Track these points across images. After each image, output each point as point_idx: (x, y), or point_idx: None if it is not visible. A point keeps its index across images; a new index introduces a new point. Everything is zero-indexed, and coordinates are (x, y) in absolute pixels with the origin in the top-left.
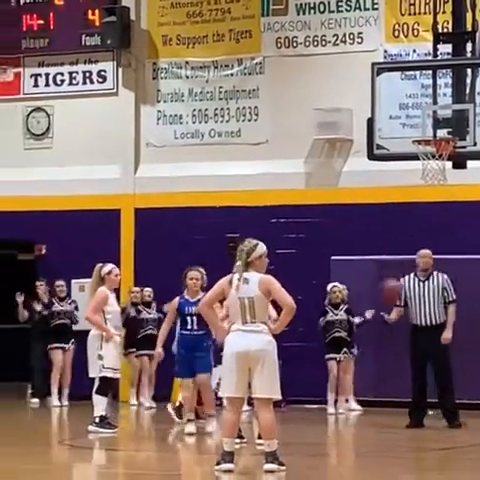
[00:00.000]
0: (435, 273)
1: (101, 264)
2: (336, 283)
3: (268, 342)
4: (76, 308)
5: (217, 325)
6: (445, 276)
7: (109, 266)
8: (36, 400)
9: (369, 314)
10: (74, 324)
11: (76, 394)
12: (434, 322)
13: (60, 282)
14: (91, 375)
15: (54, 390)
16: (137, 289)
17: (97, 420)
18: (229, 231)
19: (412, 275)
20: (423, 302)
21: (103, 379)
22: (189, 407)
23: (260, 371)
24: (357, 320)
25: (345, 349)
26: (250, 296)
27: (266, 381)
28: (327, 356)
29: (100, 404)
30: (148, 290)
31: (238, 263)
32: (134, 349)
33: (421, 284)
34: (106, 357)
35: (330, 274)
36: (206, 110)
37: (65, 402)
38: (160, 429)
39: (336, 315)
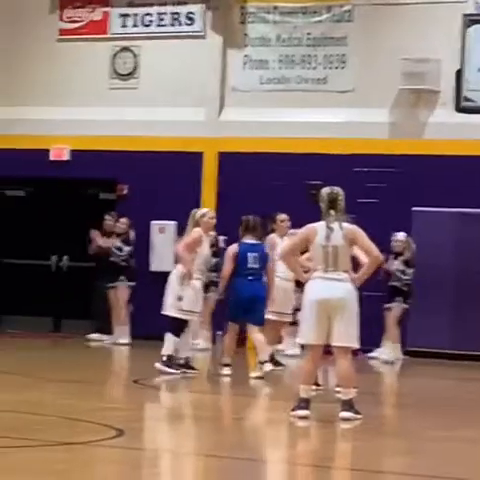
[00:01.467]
0: None
1: (197, 208)
2: (400, 233)
3: (349, 291)
4: (126, 243)
5: (300, 272)
6: None
7: (203, 209)
8: (96, 336)
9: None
10: (121, 260)
11: (139, 333)
12: None
13: (122, 219)
14: (166, 313)
15: (115, 328)
16: (214, 234)
17: (164, 359)
18: (310, 179)
19: None
20: None
21: (178, 320)
22: (228, 352)
23: (340, 319)
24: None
25: (398, 298)
26: (334, 244)
27: (345, 329)
28: (384, 305)
29: (170, 343)
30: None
31: (326, 211)
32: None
33: None
34: (185, 299)
35: (411, 225)
36: (293, 56)
37: (124, 340)
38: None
39: (393, 265)
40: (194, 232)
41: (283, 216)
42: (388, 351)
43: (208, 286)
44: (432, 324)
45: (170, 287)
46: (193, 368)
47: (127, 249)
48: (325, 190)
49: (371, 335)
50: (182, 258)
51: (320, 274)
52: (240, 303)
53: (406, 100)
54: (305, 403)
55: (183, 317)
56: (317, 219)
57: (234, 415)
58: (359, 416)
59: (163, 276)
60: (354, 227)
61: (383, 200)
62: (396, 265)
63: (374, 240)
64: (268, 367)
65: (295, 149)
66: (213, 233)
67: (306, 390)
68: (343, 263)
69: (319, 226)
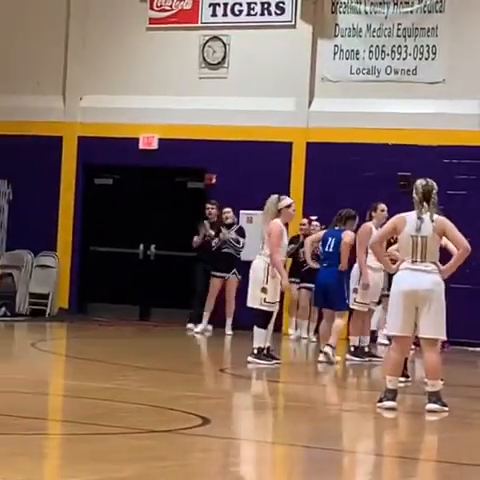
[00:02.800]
0: None
1: (277, 195)
2: None
3: (437, 282)
4: (242, 234)
5: (387, 262)
6: None
7: (288, 200)
8: (191, 325)
9: None
10: (237, 254)
11: (234, 323)
12: None
13: (227, 209)
14: (250, 305)
15: (205, 317)
16: (306, 221)
17: (255, 351)
18: (400, 169)
19: None
20: None
21: (264, 312)
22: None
23: (427, 311)
24: None
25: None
26: (424, 235)
27: (433, 321)
28: None
29: (259, 336)
30: (316, 224)
31: (420, 202)
32: (298, 280)
33: None
34: (270, 291)
35: None
36: (383, 46)
37: (228, 331)
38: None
39: None
40: (276, 227)
41: (383, 206)
42: None
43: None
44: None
45: (253, 279)
46: (276, 358)
47: (243, 241)
48: (420, 181)
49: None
50: (274, 263)
51: (408, 265)
52: (317, 290)
53: None
54: (392, 394)
55: (268, 309)
56: (407, 210)
57: (320, 405)
58: (446, 408)
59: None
60: (444, 219)
61: (473, 192)
62: None
63: (462, 232)
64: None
65: (384, 140)
66: (306, 220)
67: (393, 381)
68: (432, 254)
69: (409, 216)
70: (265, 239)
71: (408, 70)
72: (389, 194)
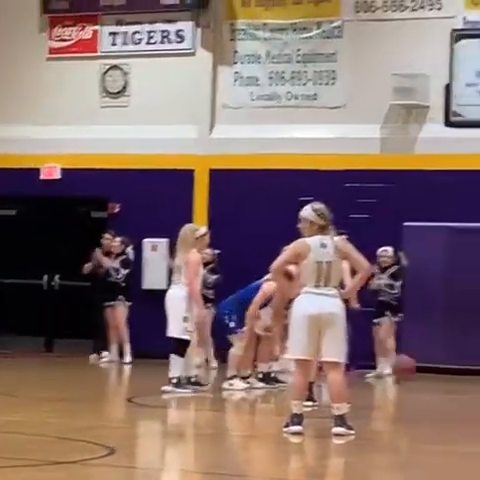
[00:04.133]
0: None
1: (192, 224)
2: (385, 247)
3: (339, 306)
4: (125, 266)
5: (288, 288)
6: None
7: (204, 229)
8: (94, 356)
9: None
10: (118, 281)
11: (138, 351)
12: None
13: (116, 239)
14: (171, 335)
15: (110, 347)
16: (212, 252)
17: (174, 381)
18: (303, 194)
19: None
20: None
21: (183, 340)
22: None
23: (330, 334)
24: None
25: (387, 312)
26: (328, 260)
27: (336, 344)
28: (373, 320)
29: (177, 365)
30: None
31: (318, 226)
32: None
33: None
34: (191, 320)
35: (402, 240)
36: (283, 72)
37: (127, 359)
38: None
39: (381, 279)
40: (195, 257)
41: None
42: (384, 366)
43: (206, 303)
44: (424, 339)
45: (173, 309)
46: (202, 385)
47: (125, 272)
48: (315, 205)
49: (362, 350)
50: (192, 292)
51: (310, 289)
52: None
53: (397, 115)
54: (298, 419)
55: (188, 338)
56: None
57: (226, 432)
58: (352, 431)
59: (155, 294)
60: (344, 241)
61: (375, 215)
62: (384, 280)
63: (366, 256)
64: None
65: (286, 165)
66: (210, 250)
67: (298, 406)
68: (334, 278)
69: (311, 241)
70: (181, 268)
71: (308, 95)
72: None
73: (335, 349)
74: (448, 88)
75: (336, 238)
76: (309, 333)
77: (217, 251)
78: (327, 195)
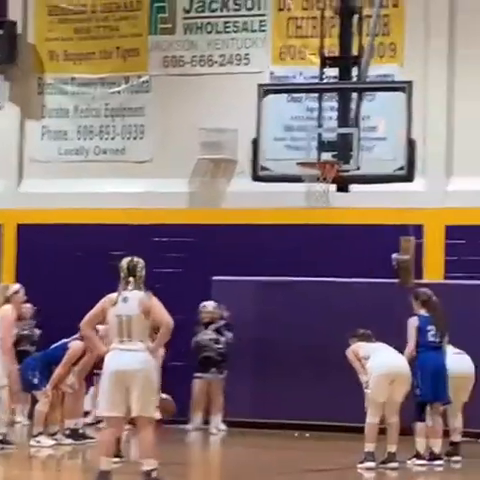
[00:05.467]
0: None
1: (2, 284)
2: (207, 302)
3: (146, 361)
4: None
5: (99, 345)
6: None
7: (16, 286)
8: None
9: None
10: None
11: None
12: None
13: None
14: None
15: None
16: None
17: None
18: (111, 249)
19: None
20: None
21: None
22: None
23: (137, 390)
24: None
25: (213, 369)
26: (128, 314)
27: (144, 400)
28: (195, 375)
29: None
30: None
31: (125, 279)
32: None
33: None
34: (2, 376)
35: (211, 294)
36: (91, 127)
37: None
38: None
39: (206, 334)
40: (9, 314)
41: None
42: (216, 422)
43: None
44: (235, 394)
45: None
46: (11, 443)
47: None
48: (125, 259)
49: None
50: (4, 346)
51: (116, 345)
52: None
53: (205, 170)
54: (106, 475)
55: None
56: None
57: None
58: None
59: None
60: (149, 296)
61: (184, 270)
62: (208, 335)
63: (175, 310)
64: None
65: (96, 220)
66: (29, 305)
67: (107, 462)
68: (138, 333)
69: (117, 295)
70: None
71: (117, 149)
72: (102, 274)
73: (144, 404)
74: (256, 142)
75: (141, 293)
76: (115, 389)
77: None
78: (136, 249)
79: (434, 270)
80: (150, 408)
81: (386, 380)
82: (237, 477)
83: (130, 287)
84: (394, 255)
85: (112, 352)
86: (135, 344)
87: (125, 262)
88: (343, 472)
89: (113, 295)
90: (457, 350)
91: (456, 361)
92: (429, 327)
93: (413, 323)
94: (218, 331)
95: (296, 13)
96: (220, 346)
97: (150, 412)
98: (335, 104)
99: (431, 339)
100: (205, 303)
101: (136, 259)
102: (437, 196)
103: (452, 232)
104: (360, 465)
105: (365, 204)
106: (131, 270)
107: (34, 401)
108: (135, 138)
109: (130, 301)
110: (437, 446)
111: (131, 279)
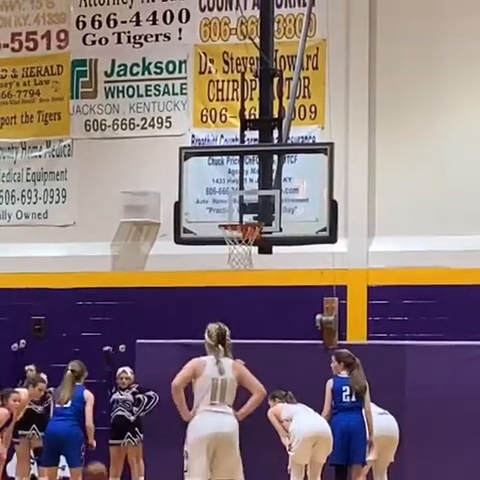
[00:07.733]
0: None
1: None
2: (124, 368)
3: (236, 425)
4: None
5: (185, 409)
6: None
7: None
8: None
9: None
10: None
11: None
12: None
13: None
14: None
15: None
16: None
17: None
18: (34, 314)
19: None
20: None
21: None
22: None
23: (228, 454)
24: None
25: (129, 433)
26: (224, 378)
27: (233, 464)
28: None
29: None
30: None
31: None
32: None
33: None
34: None
35: (135, 358)
36: (13, 191)
37: None
38: None
39: (121, 396)
40: None
41: None
42: None
43: None
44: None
45: None
46: None
47: None
48: (213, 326)
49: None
50: None
51: (207, 407)
52: None
53: (127, 233)
54: None
55: None
56: (43, 355)
57: None
58: None
59: None
60: (239, 362)
61: (107, 333)
62: (125, 396)
63: (97, 374)
64: None
65: (18, 284)
66: None
67: None
68: (230, 397)
69: (208, 359)
70: None
71: (39, 214)
72: (25, 339)
73: (234, 469)
74: (178, 205)
75: (231, 359)
76: (208, 453)
77: None
78: (59, 314)
79: (357, 331)
80: (239, 472)
81: (309, 442)
82: None
83: (221, 353)
84: (318, 316)
85: (202, 414)
86: (225, 408)
87: (214, 329)
88: None
89: (205, 358)
90: (381, 410)
91: (381, 421)
92: (344, 387)
93: (329, 385)
94: (134, 395)
95: (217, 76)
96: (136, 409)
97: (238, 475)
98: (256, 166)
99: (345, 400)
100: (124, 368)
101: (223, 327)
102: (360, 257)
103: (375, 293)
104: None
105: (288, 266)
106: (220, 338)
107: None
108: (57, 202)
109: (224, 366)
110: None
111: (221, 347)
